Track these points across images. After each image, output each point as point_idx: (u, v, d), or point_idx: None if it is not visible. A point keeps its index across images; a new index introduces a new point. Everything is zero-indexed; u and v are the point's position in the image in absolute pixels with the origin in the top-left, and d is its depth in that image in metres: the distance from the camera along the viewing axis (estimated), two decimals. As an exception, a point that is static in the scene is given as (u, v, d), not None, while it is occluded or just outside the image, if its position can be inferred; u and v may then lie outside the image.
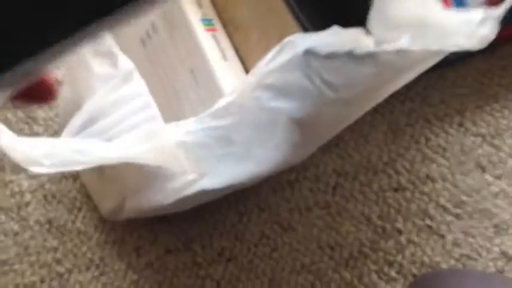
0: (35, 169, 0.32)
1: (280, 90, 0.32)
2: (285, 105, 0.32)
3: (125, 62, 0.34)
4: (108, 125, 0.35)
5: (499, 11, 0.32)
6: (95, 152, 0.32)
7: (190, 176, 0.35)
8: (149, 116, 0.34)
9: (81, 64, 0.37)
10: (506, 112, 0.51)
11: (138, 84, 0.34)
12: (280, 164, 0.35)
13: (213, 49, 0.40)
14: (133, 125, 0.33)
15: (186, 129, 0.32)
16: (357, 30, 0.31)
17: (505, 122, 0.50)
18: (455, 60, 0.52)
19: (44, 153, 0.31)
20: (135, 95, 0.34)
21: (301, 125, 0.34)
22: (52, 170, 0.32)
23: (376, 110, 0.54)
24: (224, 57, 0.40)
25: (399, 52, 0.30)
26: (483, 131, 0.51)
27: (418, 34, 0.29)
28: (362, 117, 0.54)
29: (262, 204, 0.52)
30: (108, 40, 0.34)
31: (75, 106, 0.37)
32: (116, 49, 0.35)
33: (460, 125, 0.51)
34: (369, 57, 0.31)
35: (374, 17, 0.29)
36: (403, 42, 0.29)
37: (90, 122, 0.35)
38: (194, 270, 0.50)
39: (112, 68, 0.35)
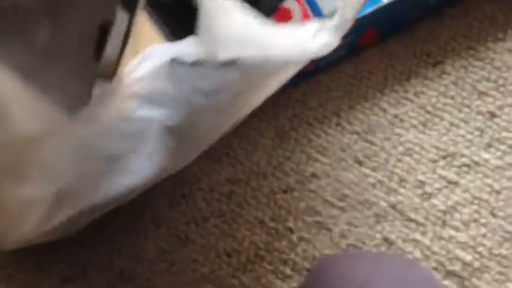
0: None
1: (147, 99, 0.31)
2: (155, 114, 0.31)
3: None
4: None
5: (332, 22, 0.33)
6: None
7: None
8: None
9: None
10: (375, 109, 0.54)
11: None
12: (156, 173, 0.34)
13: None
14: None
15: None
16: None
17: (375, 118, 0.53)
18: (327, 66, 0.55)
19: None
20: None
21: (176, 133, 0.33)
22: None
23: (261, 118, 0.55)
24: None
25: (255, 60, 0.31)
26: (357, 128, 0.53)
27: (244, 48, 0.30)
28: (249, 125, 0.55)
29: (158, 220, 0.51)
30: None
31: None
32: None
33: (337, 124, 0.54)
34: (232, 64, 0.32)
35: (202, 32, 0.30)
36: (233, 54, 0.30)
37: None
38: (92, 295, 0.48)
39: None
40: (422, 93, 0.51)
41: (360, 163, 0.49)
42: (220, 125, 0.37)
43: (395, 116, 0.51)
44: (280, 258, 0.46)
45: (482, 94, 0.50)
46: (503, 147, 0.48)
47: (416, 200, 0.47)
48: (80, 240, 0.47)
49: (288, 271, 0.46)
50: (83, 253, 0.47)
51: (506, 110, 0.50)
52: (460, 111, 0.50)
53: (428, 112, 0.51)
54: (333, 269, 0.31)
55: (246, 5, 0.30)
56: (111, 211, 0.48)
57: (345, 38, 0.51)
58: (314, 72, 0.52)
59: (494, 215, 0.46)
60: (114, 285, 0.46)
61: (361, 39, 0.51)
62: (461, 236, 0.45)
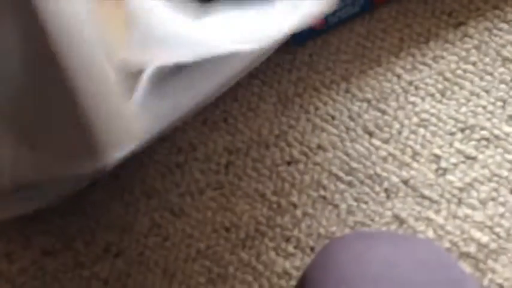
0: None
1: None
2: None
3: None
4: None
5: None
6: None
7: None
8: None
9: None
10: (389, 75, 0.49)
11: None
12: None
13: None
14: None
15: None
16: None
17: (388, 85, 0.49)
18: (337, 24, 0.49)
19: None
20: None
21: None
22: None
23: (263, 81, 0.50)
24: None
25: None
26: (368, 96, 0.48)
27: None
28: (249, 89, 0.50)
29: (150, 190, 0.47)
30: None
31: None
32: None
33: (347, 91, 0.49)
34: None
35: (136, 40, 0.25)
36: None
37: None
38: (77, 271, 0.44)
39: None
40: (442, 57, 0.46)
41: (371, 134, 0.45)
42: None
43: (411, 83, 0.46)
44: (283, 235, 0.42)
45: (506, 61, 0.46)
46: (526, 119, 0.44)
47: (431, 175, 0.43)
48: (65, 212, 0.43)
49: (290, 248, 0.42)
50: (68, 226, 0.43)
51: (532, 79, 0.45)
52: (482, 79, 0.46)
53: (447, 79, 0.46)
54: (346, 252, 0.28)
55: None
56: (99, 182, 0.44)
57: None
58: (323, 30, 0.47)
59: (513, 194, 0.42)
60: (100, 259, 0.42)
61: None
62: (478, 215, 0.42)
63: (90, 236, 0.43)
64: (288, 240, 0.42)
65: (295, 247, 0.42)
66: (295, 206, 0.43)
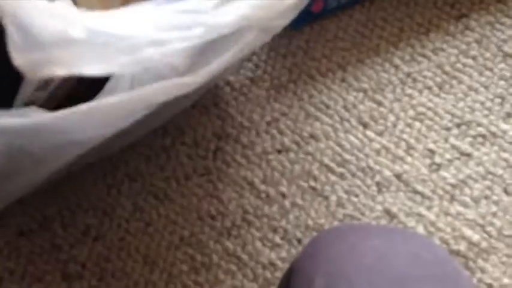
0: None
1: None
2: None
3: None
4: None
5: None
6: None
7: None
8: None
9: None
10: (387, 65, 0.46)
11: None
12: None
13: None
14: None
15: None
16: None
17: (386, 75, 0.46)
18: (336, 9, 0.46)
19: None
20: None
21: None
22: None
23: (257, 65, 0.46)
24: None
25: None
26: (365, 86, 0.45)
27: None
28: (242, 74, 0.46)
29: (134, 174, 0.43)
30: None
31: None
32: None
33: (343, 80, 0.46)
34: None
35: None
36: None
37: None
38: (54, 253, 0.40)
39: None
40: (441, 50, 0.43)
41: (365, 125, 0.42)
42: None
43: (408, 75, 0.43)
44: (270, 225, 0.39)
45: (507, 56, 0.43)
46: (524, 118, 0.42)
47: (424, 170, 0.40)
48: (45, 193, 0.39)
49: (277, 239, 0.39)
50: (46, 206, 0.39)
51: (531, 76, 0.42)
52: (481, 74, 0.43)
53: (446, 73, 0.43)
54: (338, 243, 0.26)
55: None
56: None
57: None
58: (320, 14, 0.43)
59: (507, 193, 0.40)
60: (79, 243, 0.39)
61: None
62: (470, 213, 0.39)
63: (70, 218, 0.39)
64: (275, 230, 0.39)
65: (282, 238, 0.39)
66: (284, 196, 0.40)
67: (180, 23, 0.23)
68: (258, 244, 0.39)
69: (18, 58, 0.19)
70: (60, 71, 0.20)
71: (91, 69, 0.21)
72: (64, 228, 0.39)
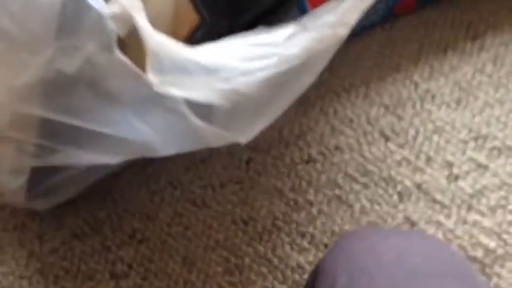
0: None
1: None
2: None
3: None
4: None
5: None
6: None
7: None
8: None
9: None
10: (407, 82, 0.48)
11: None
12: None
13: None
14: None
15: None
16: None
17: (406, 92, 0.47)
18: (359, 31, 0.48)
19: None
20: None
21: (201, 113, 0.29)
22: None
23: (286, 83, 0.49)
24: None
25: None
26: (386, 101, 0.46)
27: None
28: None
29: (175, 182, 0.46)
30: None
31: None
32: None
33: (365, 96, 0.48)
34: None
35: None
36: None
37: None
38: (103, 254, 0.43)
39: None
40: (458, 68, 0.45)
41: (387, 138, 0.44)
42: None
43: (427, 91, 0.45)
44: (298, 231, 0.42)
45: (521, 74, 0.44)
46: (538, 132, 0.43)
47: (443, 181, 0.42)
48: (95, 198, 0.43)
49: (305, 244, 0.41)
50: (97, 211, 0.43)
51: (545, 92, 0.44)
52: (496, 90, 0.44)
53: (463, 89, 0.45)
54: (358, 242, 0.27)
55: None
56: (129, 171, 0.44)
57: (379, 3, 0.44)
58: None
59: (522, 202, 0.41)
60: (126, 245, 0.42)
61: (399, 5, 0.45)
62: (487, 222, 0.41)
63: (118, 222, 0.42)
64: (303, 236, 0.42)
65: (310, 243, 0.41)
66: (311, 203, 0.42)
67: (259, 54, 0.26)
68: (287, 248, 0.41)
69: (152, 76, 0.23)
70: (176, 93, 0.24)
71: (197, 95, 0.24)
72: (112, 231, 0.42)
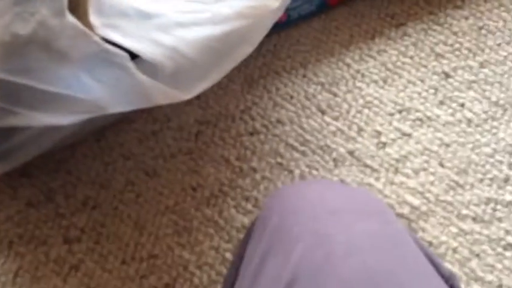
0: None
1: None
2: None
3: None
4: None
5: None
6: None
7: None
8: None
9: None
10: (340, 64, 0.53)
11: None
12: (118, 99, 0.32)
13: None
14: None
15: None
16: None
17: (339, 72, 0.52)
18: (298, 20, 0.53)
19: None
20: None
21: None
22: None
23: (233, 66, 0.53)
24: None
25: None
26: (322, 80, 0.51)
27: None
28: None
29: (128, 153, 0.48)
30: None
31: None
32: None
33: (304, 76, 0.52)
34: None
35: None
36: None
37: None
38: (57, 221, 0.45)
39: None
40: (384, 51, 0.50)
41: (323, 112, 0.48)
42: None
43: (358, 71, 0.50)
44: (243, 195, 0.45)
45: (438, 56, 0.50)
46: (454, 105, 0.48)
47: (373, 148, 0.47)
48: (50, 169, 0.44)
49: (249, 207, 0.44)
50: (51, 181, 0.44)
51: (459, 72, 0.49)
52: (418, 70, 0.50)
53: (389, 69, 0.50)
54: (292, 190, 0.30)
55: None
56: (84, 144, 0.46)
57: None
58: (286, 24, 0.51)
59: (442, 165, 0.46)
60: (79, 212, 0.43)
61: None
62: (411, 183, 0.45)
63: (71, 191, 0.44)
64: (247, 199, 0.45)
65: (254, 205, 0.44)
66: (255, 170, 0.46)
67: (193, 8, 0.29)
68: (233, 211, 0.44)
69: (94, 19, 0.26)
70: (116, 38, 0.27)
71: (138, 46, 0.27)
72: (66, 199, 0.44)
